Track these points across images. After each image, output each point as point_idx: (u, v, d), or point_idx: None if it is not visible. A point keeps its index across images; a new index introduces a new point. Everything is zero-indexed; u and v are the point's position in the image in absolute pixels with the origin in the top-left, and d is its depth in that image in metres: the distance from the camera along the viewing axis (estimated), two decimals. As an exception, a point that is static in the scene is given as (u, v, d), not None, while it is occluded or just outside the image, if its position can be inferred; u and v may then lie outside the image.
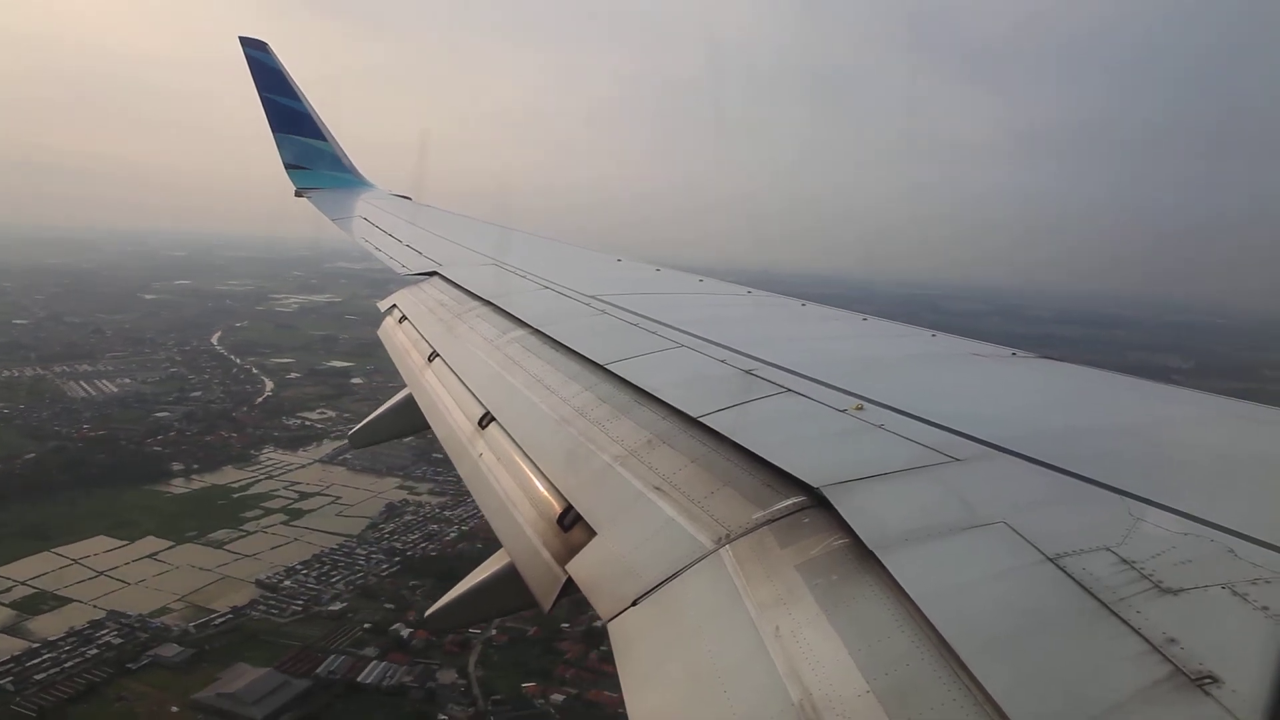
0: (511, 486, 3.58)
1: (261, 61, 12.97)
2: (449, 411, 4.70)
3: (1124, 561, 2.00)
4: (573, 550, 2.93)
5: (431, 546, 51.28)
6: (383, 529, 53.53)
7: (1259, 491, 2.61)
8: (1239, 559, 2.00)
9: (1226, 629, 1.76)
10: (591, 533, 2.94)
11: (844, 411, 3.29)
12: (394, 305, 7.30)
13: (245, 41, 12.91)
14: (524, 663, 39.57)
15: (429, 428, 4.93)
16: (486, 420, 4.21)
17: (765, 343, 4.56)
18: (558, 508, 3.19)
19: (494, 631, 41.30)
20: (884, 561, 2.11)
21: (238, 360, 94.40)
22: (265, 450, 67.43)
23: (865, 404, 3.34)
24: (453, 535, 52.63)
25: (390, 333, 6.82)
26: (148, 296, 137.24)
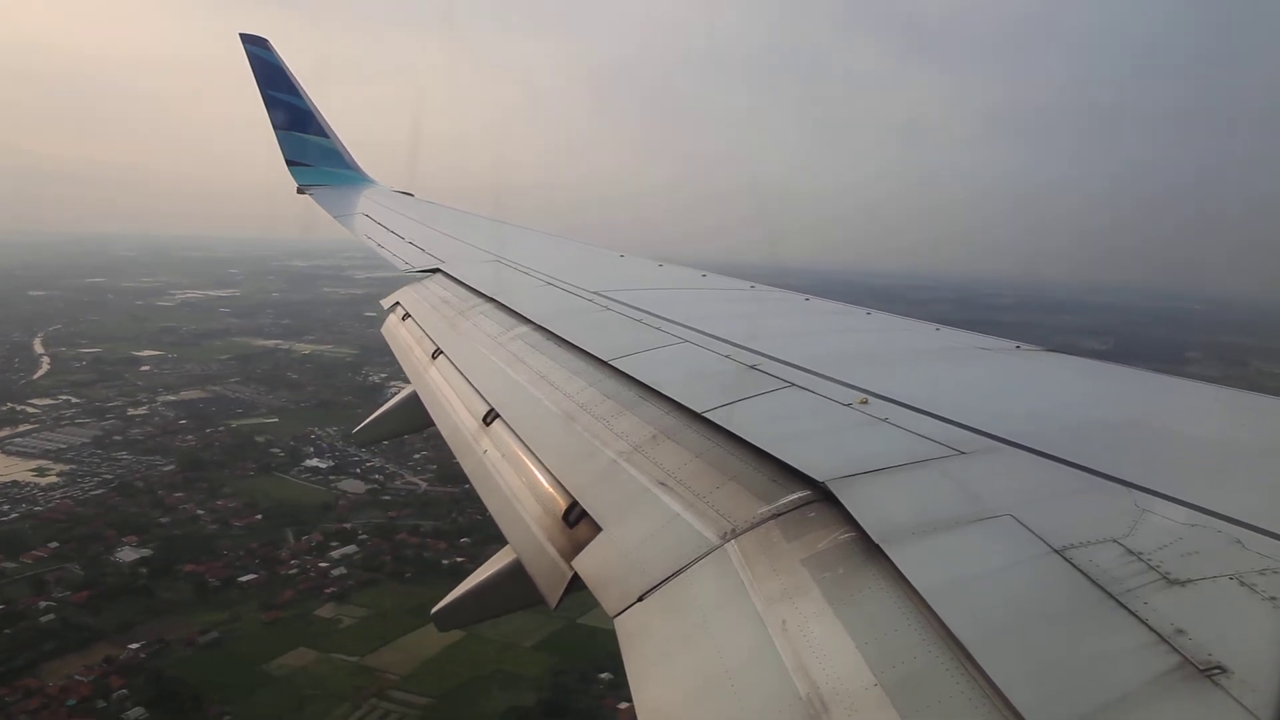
0: (516, 483, 3.58)
1: (262, 58, 12.87)
2: (453, 409, 4.70)
3: (1131, 553, 2.00)
4: (578, 546, 2.94)
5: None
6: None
7: (1266, 482, 2.60)
8: (1246, 549, 1.99)
9: (1234, 620, 1.75)
10: (597, 529, 2.94)
11: (848, 406, 3.29)
12: (397, 302, 7.30)
13: (246, 38, 12.82)
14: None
15: (433, 424, 4.94)
16: (491, 417, 4.21)
17: (769, 337, 4.55)
18: (563, 504, 3.19)
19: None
20: (890, 555, 2.11)
21: (40, 350, 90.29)
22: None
23: (870, 398, 3.33)
24: (14, 515, 48.84)
25: (393, 330, 6.82)
26: (34, 293, 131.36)
